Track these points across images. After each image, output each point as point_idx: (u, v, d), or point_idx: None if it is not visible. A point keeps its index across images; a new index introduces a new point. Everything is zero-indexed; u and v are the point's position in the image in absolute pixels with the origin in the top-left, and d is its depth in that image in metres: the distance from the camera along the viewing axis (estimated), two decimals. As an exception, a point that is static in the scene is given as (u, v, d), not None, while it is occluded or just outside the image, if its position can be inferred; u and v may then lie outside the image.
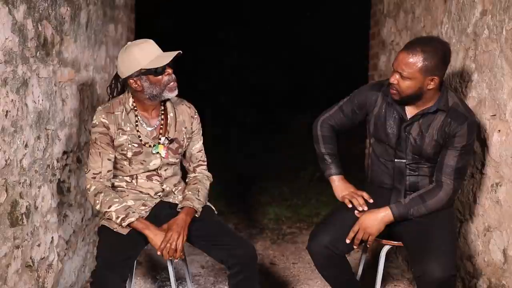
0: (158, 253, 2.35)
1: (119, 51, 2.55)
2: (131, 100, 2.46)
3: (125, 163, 2.46)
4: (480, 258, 2.60)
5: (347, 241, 2.43)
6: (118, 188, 2.50)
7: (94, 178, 2.43)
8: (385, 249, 2.58)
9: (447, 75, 2.81)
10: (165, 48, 2.43)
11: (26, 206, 2.36)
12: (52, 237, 2.68)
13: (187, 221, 2.40)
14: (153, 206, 2.51)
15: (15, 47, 2.19)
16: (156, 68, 2.35)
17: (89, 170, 2.44)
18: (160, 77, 2.37)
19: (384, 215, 2.41)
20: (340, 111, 2.66)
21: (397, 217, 2.40)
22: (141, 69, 2.35)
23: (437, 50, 2.30)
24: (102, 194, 2.39)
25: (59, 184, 2.76)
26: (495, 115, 2.45)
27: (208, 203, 2.61)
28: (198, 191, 2.52)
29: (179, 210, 2.46)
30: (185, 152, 2.60)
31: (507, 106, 2.35)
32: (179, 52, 2.38)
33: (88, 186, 2.43)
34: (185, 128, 2.55)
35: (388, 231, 2.48)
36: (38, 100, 2.45)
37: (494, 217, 2.47)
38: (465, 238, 2.75)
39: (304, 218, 4.91)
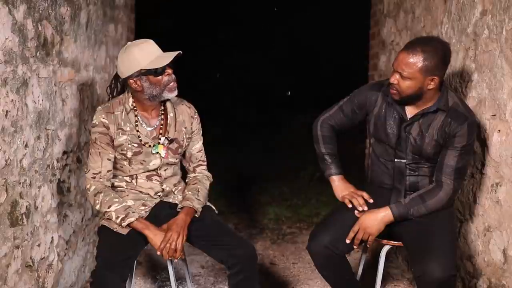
0: (158, 253, 2.35)
1: (119, 51, 2.56)
2: (131, 100, 2.46)
3: (125, 163, 2.46)
4: (480, 258, 2.60)
5: (347, 241, 2.43)
6: (118, 188, 2.50)
7: (94, 178, 2.43)
8: (385, 249, 2.58)
9: (447, 75, 2.81)
10: (165, 48, 2.43)
11: (26, 206, 2.36)
12: (52, 237, 2.68)
13: (187, 221, 2.40)
14: (153, 206, 2.51)
15: (15, 47, 2.19)
16: (156, 69, 2.35)
17: (89, 170, 2.44)
18: (160, 77, 2.37)
19: (384, 215, 2.41)
20: (340, 111, 2.66)
21: (397, 217, 2.40)
22: (141, 69, 2.35)
23: (437, 50, 2.30)
24: (102, 194, 2.39)
25: (59, 184, 2.76)
26: (495, 115, 2.45)
27: (208, 203, 2.61)
28: (198, 191, 2.52)
29: (179, 210, 2.46)
30: (185, 152, 2.60)
31: (507, 106, 2.35)
32: (179, 53, 2.38)
33: (88, 186, 2.43)
34: (185, 128, 2.55)
35: (388, 231, 2.48)
36: (38, 100, 2.45)
37: (494, 217, 2.47)
38: (465, 238, 2.75)
39: (304, 218, 4.91)
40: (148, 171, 2.49)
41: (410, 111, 2.45)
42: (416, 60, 2.29)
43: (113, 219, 2.36)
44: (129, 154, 2.44)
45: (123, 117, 2.44)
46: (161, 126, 2.49)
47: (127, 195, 2.49)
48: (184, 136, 2.55)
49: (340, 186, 2.63)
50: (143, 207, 2.48)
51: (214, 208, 2.65)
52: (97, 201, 2.39)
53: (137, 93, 2.42)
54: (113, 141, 2.43)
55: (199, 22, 11.38)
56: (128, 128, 2.44)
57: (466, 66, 2.72)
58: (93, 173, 2.43)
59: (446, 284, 2.20)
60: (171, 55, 2.36)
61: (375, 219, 2.41)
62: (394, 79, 2.35)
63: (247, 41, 11.61)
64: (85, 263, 3.24)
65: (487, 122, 2.52)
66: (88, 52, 3.15)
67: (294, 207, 5.28)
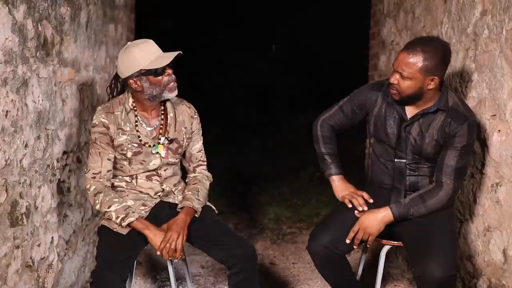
0: (158, 253, 2.35)
1: (119, 51, 2.56)
2: (130, 100, 2.46)
3: (125, 163, 2.46)
4: (480, 258, 2.60)
5: (347, 241, 2.43)
6: (118, 188, 2.50)
7: (94, 178, 2.43)
8: (385, 249, 2.58)
9: (447, 75, 2.81)
10: (165, 48, 2.43)
11: (26, 206, 2.36)
12: (52, 237, 2.68)
13: (187, 221, 2.40)
14: (153, 206, 2.51)
15: (15, 47, 2.19)
16: (156, 69, 2.35)
17: (89, 170, 2.44)
18: (160, 77, 2.37)
19: (384, 215, 2.40)
20: (340, 111, 2.66)
21: (397, 217, 2.40)
22: (141, 69, 2.35)
23: (437, 50, 2.30)
24: (102, 194, 2.39)
25: (59, 184, 2.76)
26: (495, 115, 2.45)
27: (208, 203, 2.61)
28: (198, 191, 2.52)
29: (179, 210, 2.46)
30: (185, 152, 2.60)
31: (507, 106, 2.35)
32: (179, 53, 2.38)
33: (88, 186, 2.43)
34: (185, 128, 2.55)
35: (388, 231, 2.48)
36: (38, 100, 2.45)
37: (494, 217, 2.47)
38: (465, 238, 2.75)
39: (304, 218, 4.91)
40: (148, 171, 2.49)
41: (410, 111, 2.45)
42: (416, 60, 2.29)
43: (113, 219, 2.36)
44: (129, 154, 2.44)
45: (123, 117, 2.44)
46: (161, 126, 2.49)
47: (127, 195, 2.49)
48: (184, 136, 2.55)
49: (340, 186, 2.63)
50: (143, 207, 2.48)
51: (214, 208, 2.64)
52: (97, 201, 2.39)
53: (137, 93, 2.42)
54: (113, 141, 2.43)
55: (199, 22, 11.38)
56: (128, 128, 2.44)
57: (466, 66, 2.72)
58: (93, 173, 2.43)
59: (446, 284, 2.20)
60: (171, 55, 2.36)
61: (375, 219, 2.41)
62: (394, 79, 2.35)
63: (247, 41, 11.60)
64: (85, 263, 3.24)
65: (487, 122, 2.52)
66: (88, 52, 3.15)
67: (294, 207, 5.28)
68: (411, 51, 2.30)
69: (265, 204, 5.32)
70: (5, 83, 2.12)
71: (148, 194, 2.51)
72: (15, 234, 2.26)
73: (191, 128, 2.58)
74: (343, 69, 10.23)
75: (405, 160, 2.48)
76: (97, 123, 2.42)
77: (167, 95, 2.42)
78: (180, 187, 2.60)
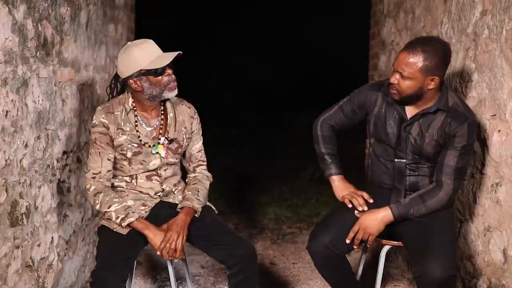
0: (158, 253, 2.35)
1: (119, 51, 2.56)
2: (130, 100, 2.46)
3: (125, 163, 2.46)
4: (480, 258, 2.60)
5: (347, 241, 2.43)
6: (118, 188, 2.50)
7: (94, 178, 2.43)
8: (385, 249, 2.58)
9: (447, 75, 2.81)
10: (165, 48, 2.43)
11: (26, 206, 2.36)
12: (52, 237, 2.68)
13: (187, 221, 2.40)
14: (153, 206, 2.51)
15: (15, 47, 2.19)
16: (156, 69, 2.35)
17: (89, 170, 2.44)
18: (160, 77, 2.37)
19: (384, 215, 2.40)
20: (340, 111, 2.66)
21: (397, 217, 2.40)
22: (141, 69, 2.35)
23: (437, 50, 2.30)
24: (102, 194, 2.39)
25: (59, 184, 2.76)
26: (495, 115, 2.45)
27: (208, 203, 2.61)
28: (198, 191, 2.52)
29: (179, 210, 2.46)
30: (184, 152, 2.60)
31: (507, 106, 2.35)
32: (179, 53, 2.38)
33: (88, 186, 2.43)
34: (185, 128, 2.55)
35: (388, 231, 2.48)
36: (38, 100, 2.45)
37: (494, 217, 2.47)
38: (465, 238, 2.75)
39: (304, 218, 4.91)
40: (148, 171, 2.49)
41: (410, 111, 2.45)
42: (417, 60, 2.29)
43: (113, 219, 2.36)
44: (129, 154, 2.44)
45: (123, 117, 2.44)
46: (161, 126, 2.49)
47: (127, 195, 2.49)
48: (184, 136, 2.55)
49: (340, 186, 2.63)
50: (143, 207, 2.48)
51: (214, 208, 2.64)
52: (97, 201, 2.39)
53: (137, 93, 2.42)
54: (113, 141, 2.43)
55: (199, 22, 11.38)
56: (128, 128, 2.44)
57: (466, 66, 2.72)
58: (93, 173, 2.43)
59: (446, 284, 2.20)
60: (171, 55, 2.36)
61: (375, 219, 2.41)
62: (394, 79, 2.35)
63: (247, 41, 11.60)
64: (85, 263, 3.24)
65: (487, 122, 2.52)
66: (88, 52, 3.15)
67: (294, 207, 5.28)
68: (411, 51, 2.30)
69: (265, 204, 5.32)
70: (5, 83, 2.12)
71: (148, 194, 2.51)
72: (15, 234, 2.26)
73: (191, 128, 2.57)
74: (343, 69, 10.22)
75: (405, 160, 2.48)
76: (97, 123, 2.42)
77: (167, 94, 2.42)
78: (180, 187, 2.60)
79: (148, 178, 2.50)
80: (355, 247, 2.46)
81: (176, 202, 2.54)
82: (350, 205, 2.52)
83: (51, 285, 2.67)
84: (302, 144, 6.20)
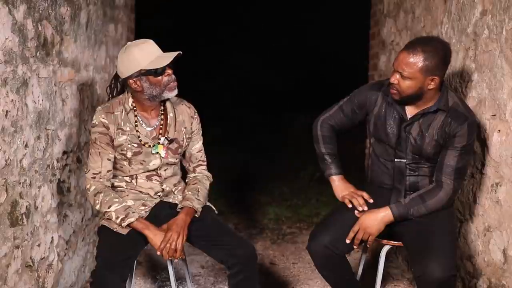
0: (158, 253, 2.35)
1: (119, 51, 2.55)
2: (130, 100, 2.46)
3: (125, 163, 2.46)
4: (480, 258, 2.60)
5: (347, 241, 2.43)
6: (118, 188, 2.50)
7: (94, 178, 2.43)
8: (385, 249, 2.58)
9: (447, 75, 2.81)
10: (165, 48, 2.43)
11: (26, 206, 2.36)
12: (52, 237, 2.68)
13: (187, 221, 2.40)
14: (153, 206, 2.51)
15: (15, 47, 2.19)
16: (156, 69, 2.35)
17: (89, 170, 2.44)
18: (160, 77, 2.37)
19: (384, 215, 2.40)
20: (340, 111, 2.66)
21: (397, 217, 2.40)
22: (141, 69, 2.35)
23: (437, 50, 2.30)
24: (102, 194, 2.39)
25: (59, 184, 2.76)
26: (495, 115, 2.45)
27: (208, 203, 2.61)
28: (198, 191, 2.52)
29: (179, 210, 2.46)
30: (184, 152, 2.60)
31: (507, 106, 2.35)
32: (179, 53, 2.38)
33: (88, 186, 2.43)
34: (185, 128, 2.55)
35: (388, 231, 2.48)
36: (38, 100, 2.45)
37: (494, 217, 2.47)
38: (465, 238, 2.75)
39: (304, 218, 4.91)
40: (148, 171, 2.49)
41: (410, 111, 2.45)
42: (417, 60, 2.29)
43: (113, 219, 2.36)
44: (129, 154, 2.44)
45: (122, 117, 2.44)
46: (161, 126, 2.49)
47: (127, 195, 2.49)
48: (184, 136, 2.55)
49: (340, 186, 2.63)
50: (143, 207, 2.48)
51: (214, 208, 2.64)
52: (97, 201, 2.39)
53: (137, 93, 2.42)
54: (113, 141, 2.43)
55: (199, 22, 11.38)
56: (128, 128, 2.44)
57: (466, 66, 2.72)
58: (93, 173, 2.43)
59: (446, 284, 2.20)
60: (171, 55, 2.36)
61: (375, 219, 2.41)
62: (395, 79, 2.35)
63: (247, 41, 11.60)
64: (85, 263, 3.24)
65: (487, 122, 2.52)
66: (88, 52, 3.15)
67: (294, 207, 5.28)
68: (411, 51, 2.30)
69: (265, 204, 5.32)
70: (5, 83, 2.12)
71: (148, 194, 2.51)
72: (15, 234, 2.26)
73: (191, 128, 2.57)
74: (343, 69, 10.22)
75: (405, 160, 2.48)
76: (97, 123, 2.42)
77: (167, 94, 2.42)
78: (180, 187, 2.60)
79: (148, 178, 2.50)
80: (355, 247, 2.46)
81: (176, 202, 2.54)
82: (350, 205, 2.52)
83: (51, 285, 2.67)
84: (302, 144, 6.20)
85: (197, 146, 2.61)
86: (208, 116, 3.73)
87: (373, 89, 2.56)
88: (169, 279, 2.85)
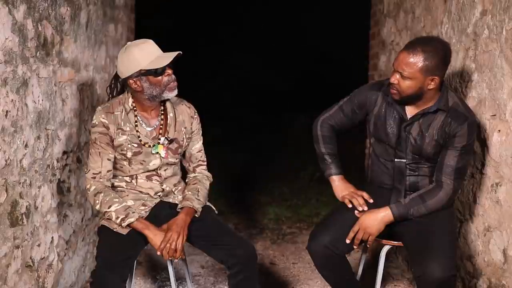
0: (158, 253, 2.35)
1: (119, 51, 2.55)
2: (130, 100, 2.46)
3: (125, 163, 2.46)
4: (480, 258, 2.60)
5: (347, 241, 2.43)
6: (118, 188, 2.50)
7: (94, 178, 2.43)
8: (385, 249, 2.58)
9: (447, 75, 2.81)
10: (165, 48, 2.43)
11: (26, 206, 2.36)
12: (52, 237, 2.68)
13: (187, 221, 2.40)
14: (153, 206, 2.51)
15: (15, 47, 2.19)
16: (156, 69, 2.35)
17: (89, 170, 2.44)
18: (160, 77, 2.37)
19: (384, 215, 2.40)
20: (340, 111, 2.66)
21: (397, 217, 2.40)
22: (141, 69, 2.35)
23: (437, 50, 2.30)
24: (102, 194, 2.39)
25: (59, 184, 2.76)
26: (495, 115, 2.45)
27: (208, 203, 2.61)
28: (198, 191, 2.52)
29: (179, 210, 2.46)
30: (184, 152, 2.60)
31: (507, 106, 2.35)
32: (179, 53, 2.38)
33: (88, 186, 2.43)
34: (185, 128, 2.55)
35: (388, 231, 2.48)
36: (38, 100, 2.45)
37: (494, 217, 2.47)
38: (465, 238, 2.75)
39: (304, 218, 4.91)
40: (148, 171, 2.49)
41: (410, 111, 2.45)
42: (417, 60, 2.29)
43: (113, 219, 2.36)
44: (129, 154, 2.44)
45: (122, 117, 2.44)
46: (161, 126, 2.49)
47: (127, 195, 2.49)
48: (184, 136, 2.55)
49: (340, 186, 2.63)
50: (143, 207, 2.48)
51: (214, 208, 2.64)
52: (97, 201, 2.39)
53: (137, 93, 2.42)
54: (113, 141, 2.43)
55: (199, 22, 11.38)
56: (127, 128, 2.44)
57: (466, 66, 2.72)
58: (93, 173, 2.43)
59: (446, 284, 2.20)
60: (171, 55, 2.36)
61: (375, 219, 2.41)
62: (395, 79, 2.35)
63: (247, 41, 11.60)
64: (85, 263, 3.24)
65: (487, 122, 2.52)
66: (88, 52, 3.15)
67: (294, 207, 5.28)
68: (411, 51, 2.30)
69: (265, 204, 5.32)
70: (5, 83, 2.12)
71: (148, 194, 2.51)
72: (15, 234, 2.26)
73: (191, 128, 2.57)
74: (343, 69, 10.23)
75: (405, 160, 2.48)
76: (97, 123, 2.42)
77: (167, 95, 2.42)
78: (180, 187, 2.60)
79: (148, 178, 2.50)
80: (355, 247, 2.46)
81: (176, 202, 2.54)
82: (350, 205, 2.52)
83: (51, 285, 2.67)
84: (302, 144, 6.20)
85: (197, 146, 2.61)
86: (208, 116, 3.73)
87: (373, 89, 2.56)
88: (169, 279, 2.85)
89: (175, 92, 2.44)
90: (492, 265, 2.49)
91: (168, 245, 2.32)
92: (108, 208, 2.36)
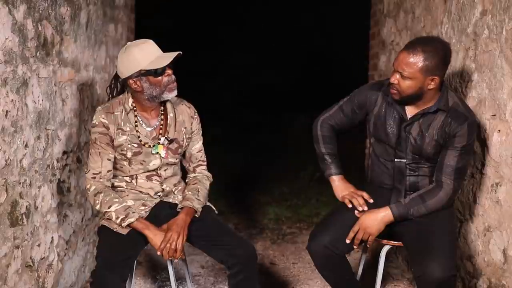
0: (158, 253, 2.35)
1: (119, 51, 2.56)
2: (130, 100, 2.46)
3: (125, 163, 2.46)
4: (480, 258, 2.60)
5: (347, 241, 2.43)
6: (118, 188, 2.50)
7: (94, 178, 2.43)
8: (385, 249, 2.58)
9: (447, 75, 2.81)
10: (165, 48, 2.43)
11: (26, 206, 2.36)
12: (52, 237, 2.68)
13: (187, 221, 2.40)
14: (153, 206, 2.51)
15: (15, 47, 2.19)
16: (156, 69, 2.35)
17: (89, 170, 2.44)
18: (160, 78, 2.37)
19: (384, 215, 2.40)
20: (340, 111, 2.66)
21: (397, 217, 2.40)
22: (141, 70, 2.35)
23: (437, 50, 2.30)
24: (102, 194, 2.39)
25: (59, 184, 2.76)
26: (495, 115, 2.45)
27: (208, 203, 2.61)
28: (198, 191, 2.52)
29: (179, 210, 2.46)
30: (185, 152, 2.60)
31: (507, 106, 2.35)
32: (179, 53, 2.38)
33: (88, 186, 2.43)
34: (185, 128, 2.55)
35: (388, 231, 2.48)
36: (38, 100, 2.45)
37: (494, 217, 2.47)
38: (465, 238, 2.75)
39: (304, 218, 4.90)
40: (148, 171, 2.49)
41: (410, 111, 2.45)
42: (417, 60, 2.29)
43: (113, 219, 2.36)
44: (129, 154, 2.44)
45: (122, 117, 2.44)
46: (161, 126, 2.49)
47: (127, 195, 2.49)
48: (184, 136, 2.55)
49: (340, 186, 2.63)
50: (143, 207, 2.48)
51: (214, 208, 2.64)
52: (97, 201, 2.39)
53: (137, 93, 2.42)
54: (113, 141, 2.43)
55: (199, 22, 11.38)
56: (128, 128, 2.44)
57: (466, 66, 2.72)
58: (93, 173, 2.43)
59: (446, 284, 2.20)
60: (171, 56, 2.36)
61: (375, 219, 2.41)
62: (395, 79, 2.35)
63: (247, 41, 11.60)
64: (85, 263, 3.24)
65: (487, 122, 2.52)
66: (88, 52, 3.15)
67: (294, 207, 5.27)
68: (411, 51, 2.30)
69: (265, 204, 5.32)
70: (5, 83, 2.12)
71: (148, 194, 2.51)
72: (15, 234, 2.26)
73: (191, 128, 2.58)
74: (343, 69, 10.23)
75: (405, 160, 2.48)
76: (97, 123, 2.42)
77: (167, 95, 2.42)
78: (180, 187, 2.60)
79: (148, 178, 2.50)
80: (355, 247, 2.46)
81: (176, 202, 2.54)
82: (350, 205, 2.52)
83: (51, 285, 2.67)
84: (302, 144, 6.19)
85: (197, 146, 2.61)
86: (208, 116, 3.73)
87: (373, 89, 2.56)
88: (169, 279, 2.85)
89: (175, 92, 2.43)
90: (492, 265, 2.49)
91: (168, 245, 2.33)
92: (108, 208, 2.36)
